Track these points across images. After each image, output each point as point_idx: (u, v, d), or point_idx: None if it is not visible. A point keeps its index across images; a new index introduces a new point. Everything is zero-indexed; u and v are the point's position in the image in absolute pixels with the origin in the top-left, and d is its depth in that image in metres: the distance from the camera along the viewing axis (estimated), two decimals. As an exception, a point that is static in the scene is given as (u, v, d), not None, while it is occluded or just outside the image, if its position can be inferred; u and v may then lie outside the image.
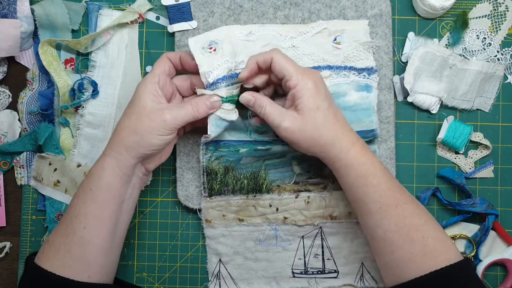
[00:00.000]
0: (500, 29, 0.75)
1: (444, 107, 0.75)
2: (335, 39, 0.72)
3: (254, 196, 0.72)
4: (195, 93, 0.67)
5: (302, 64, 0.70)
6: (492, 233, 0.74)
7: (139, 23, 0.76)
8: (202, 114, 0.64)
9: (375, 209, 0.61)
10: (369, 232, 0.63)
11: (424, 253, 0.59)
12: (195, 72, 0.66)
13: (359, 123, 0.70)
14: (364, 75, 0.71)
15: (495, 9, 0.75)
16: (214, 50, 0.67)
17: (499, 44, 0.75)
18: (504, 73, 0.75)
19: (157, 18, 0.76)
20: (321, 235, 0.73)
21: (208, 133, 0.66)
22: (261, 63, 0.64)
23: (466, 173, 0.75)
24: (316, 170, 0.72)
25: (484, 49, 0.75)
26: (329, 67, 0.70)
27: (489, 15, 0.75)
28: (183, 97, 0.70)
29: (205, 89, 0.65)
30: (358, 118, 0.70)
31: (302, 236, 0.73)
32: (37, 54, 0.74)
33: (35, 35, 0.75)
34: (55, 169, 0.75)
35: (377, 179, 0.61)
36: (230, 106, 0.66)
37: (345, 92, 0.70)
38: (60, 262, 0.61)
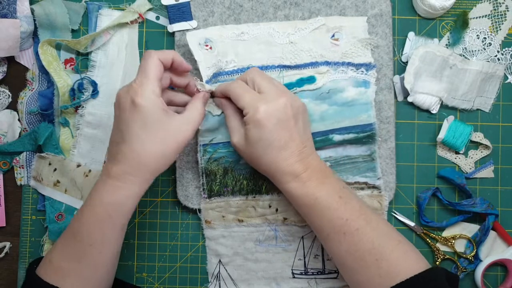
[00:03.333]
0: (500, 29, 0.75)
1: (444, 107, 0.75)
2: (333, 36, 0.72)
3: (254, 197, 0.72)
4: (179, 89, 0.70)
5: (300, 59, 0.71)
6: (492, 233, 0.74)
7: (139, 23, 0.76)
8: (205, 113, 0.67)
9: (324, 236, 0.62)
10: (328, 254, 0.65)
11: (380, 275, 0.59)
12: (182, 74, 0.67)
13: (357, 118, 0.71)
14: (362, 71, 0.71)
15: (495, 9, 0.75)
16: (210, 48, 0.70)
17: (499, 44, 0.75)
18: (504, 73, 0.75)
19: (157, 18, 0.76)
20: (321, 236, 0.73)
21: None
22: (220, 95, 0.67)
23: (466, 173, 0.75)
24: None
25: (484, 49, 0.75)
26: (327, 63, 0.71)
27: (489, 15, 0.75)
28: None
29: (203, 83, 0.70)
30: (355, 113, 0.71)
31: (302, 237, 0.73)
32: (37, 54, 0.74)
33: (35, 35, 0.75)
34: (55, 169, 0.75)
35: (320, 210, 0.61)
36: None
37: (343, 88, 0.71)
38: (68, 284, 0.60)
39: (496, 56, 0.75)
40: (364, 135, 0.71)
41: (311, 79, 0.71)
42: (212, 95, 0.69)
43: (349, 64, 0.71)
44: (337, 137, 0.71)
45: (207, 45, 0.71)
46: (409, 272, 0.58)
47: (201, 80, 0.70)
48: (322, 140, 0.71)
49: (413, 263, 0.60)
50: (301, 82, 0.70)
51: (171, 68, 0.64)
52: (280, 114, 0.60)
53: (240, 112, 0.64)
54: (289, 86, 0.71)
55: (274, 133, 0.60)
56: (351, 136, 0.71)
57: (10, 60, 0.76)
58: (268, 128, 0.60)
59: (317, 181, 0.61)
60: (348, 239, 0.60)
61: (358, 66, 0.71)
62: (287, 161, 0.61)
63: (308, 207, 0.61)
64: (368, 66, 0.71)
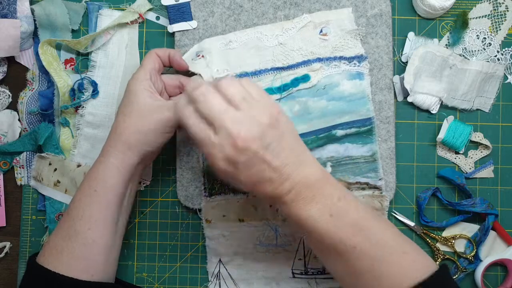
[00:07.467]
0: (500, 29, 0.75)
1: (444, 107, 0.75)
2: (321, 31, 0.72)
3: (255, 196, 0.72)
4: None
5: (291, 59, 0.71)
6: (492, 233, 0.74)
7: (139, 23, 0.76)
8: None
9: (319, 256, 0.61)
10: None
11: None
12: (183, 71, 0.70)
13: (356, 113, 0.71)
14: (354, 63, 0.71)
15: (495, 9, 0.75)
16: (202, 56, 0.70)
17: (499, 44, 0.75)
18: (504, 73, 0.75)
19: (157, 18, 0.76)
20: (321, 235, 0.73)
21: None
22: None
23: (466, 173, 0.75)
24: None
25: (484, 49, 0.75)
26: (319, 60, 0.71)
27: (489, 15, 0.75)
28: (169, 96, 0.70)
29: None
30: (354, 108, 0.71)
31: (302, 237, 0.73)
32: (37, 54, 0.74)
33: (35, 35, 0.75)
34: (55, 169, 0.75)
35: (309, 231, 0.56)
36: None
37: (338, 82, 0.71)
38: (63, 263, 0.61)
39: (496, 56, 0.75)
40: (365, 129, 0.71)
41: (305, 78, 0.71)
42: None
43: (341, 58, 0.71)
44: (340, 132, 0.71)
45: (198, 55, 0.71)
46: (419, 271, 0.55)
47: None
48: (326, 136, 0.71)
49: (421, 270, 0.56)
50: (296, 82, 0.71)
51: (171, 63, 0.69)
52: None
53: None
54: (285, 87, 0.71)
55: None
56: (353, 130, 0.71)
57: (10, 60, 0.76)
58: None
59: (304, 201, 0.55)
60: (344, 258, 0.56)
61: (350, 59, 0.71)
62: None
63: (299, 227, 0.57)
64: (360, 58, 0.71)
